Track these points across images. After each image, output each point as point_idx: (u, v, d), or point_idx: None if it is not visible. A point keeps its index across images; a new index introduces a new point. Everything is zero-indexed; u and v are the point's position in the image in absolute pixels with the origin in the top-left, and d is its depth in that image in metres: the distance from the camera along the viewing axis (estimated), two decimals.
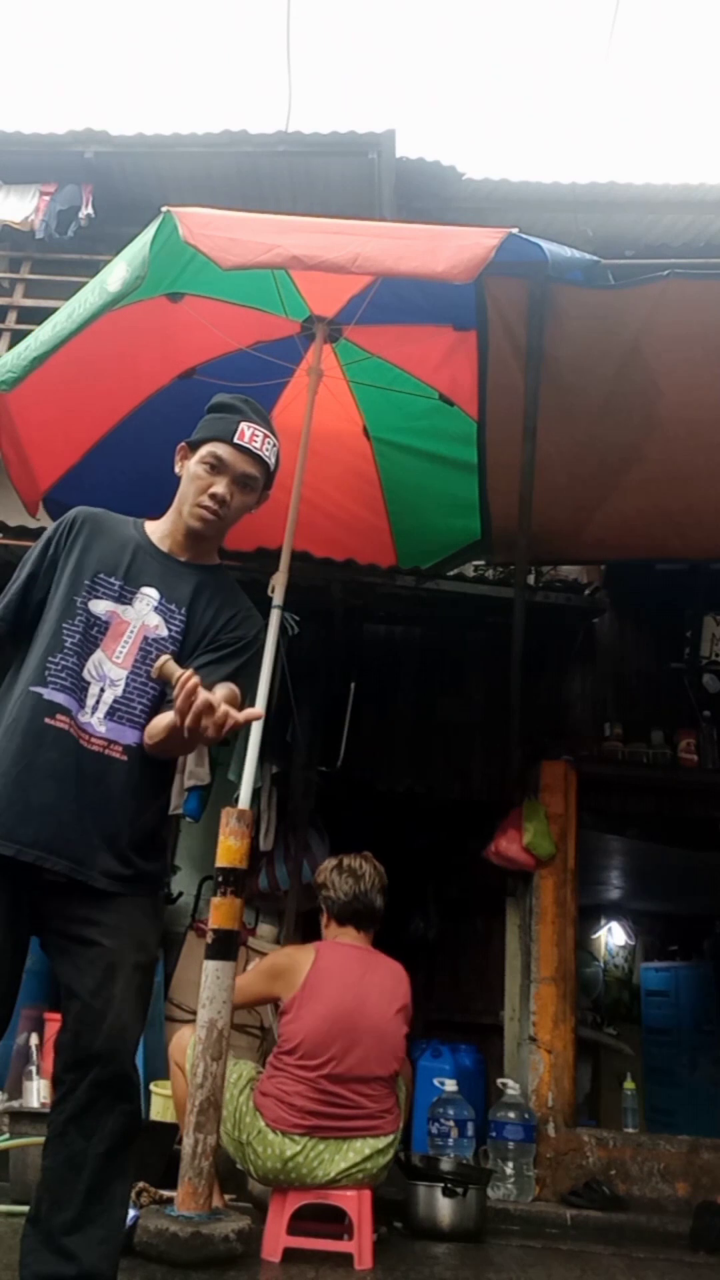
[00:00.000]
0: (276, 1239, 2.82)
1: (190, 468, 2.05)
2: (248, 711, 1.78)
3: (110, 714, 1.87)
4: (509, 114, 29.97)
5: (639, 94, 30.06)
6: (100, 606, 1.93)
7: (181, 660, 1.89)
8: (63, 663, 1.86)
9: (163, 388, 4.04)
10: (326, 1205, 2.91)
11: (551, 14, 27.60)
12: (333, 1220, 2.93)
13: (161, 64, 30.47)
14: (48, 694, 1.83)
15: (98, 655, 1.90)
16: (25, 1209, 2.94)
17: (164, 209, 2.95)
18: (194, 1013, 3.06)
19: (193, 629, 2.00)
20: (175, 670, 1.70)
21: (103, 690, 1.88)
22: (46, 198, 6.81)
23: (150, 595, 1.97)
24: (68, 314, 3.03)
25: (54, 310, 3.24)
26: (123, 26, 27.05)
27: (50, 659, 1.85)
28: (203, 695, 1.65)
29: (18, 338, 5.85)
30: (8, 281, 6.82)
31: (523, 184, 6.70)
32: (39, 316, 4.75)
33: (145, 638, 1.93)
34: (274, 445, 2.10)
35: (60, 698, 1.84)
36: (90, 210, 6.72)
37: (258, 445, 2.05)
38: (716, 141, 28.28)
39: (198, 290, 3.66)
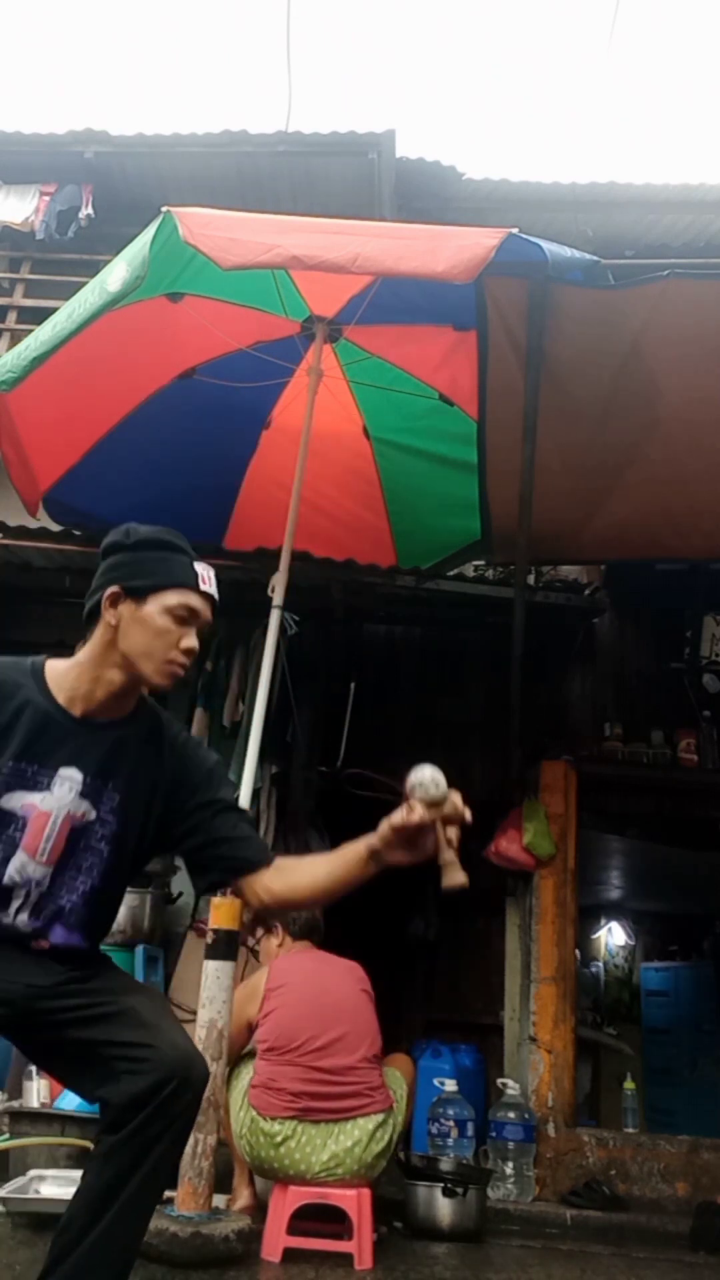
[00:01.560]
0: (276, 1239, 2.82)
1: (149, 619, 1.72)
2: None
3: (36, 913, 1.70)
4: (509, 114, 29.97)
5: (639, 94, 30.06)
6: (13, 801, 1.68)
7: (127, 835, 1.75)
8: None
9: (163, 388, 4.04)
10: (326, 1205, 2.92)
11: (551, 14, 27.61)
12: (333, 1220, 2.93)
13: (161, 64, 30.48)
14: None
15: (19, 858, 1.68)
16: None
17: (164, 209, 2.95)
18: (194, 1013, 3.06)
19: (130, 800, 1.77)
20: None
21: (30, 892, 1.69)
22: (46, 198, 6.81)
23: (71, 778, 1.72)
24: (68, 314, 3.03)
25: (54, 310, 3.24)
26: (123, 26, 27.05)
27: None
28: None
29: (18, 338, 5.85)
30: (8, 281, 6.81)
31: (523, 184, 6.71)
32: (39, 316, 4.74)
33: (72, 827, 1.71)
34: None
35: None
36: (90, 210, 6.72)
37: (214, 591, 1.80)
38: (716, 141, 28.28)
39: (198, 290, 3.67)
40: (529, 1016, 4.39)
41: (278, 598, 3.61)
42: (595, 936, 8.07)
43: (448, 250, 2.78)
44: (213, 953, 2.95)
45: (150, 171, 6.76)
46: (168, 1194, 2.87)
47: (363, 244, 2.85)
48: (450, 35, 27.10)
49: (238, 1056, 3.13)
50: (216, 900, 3.02)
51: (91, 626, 1.77)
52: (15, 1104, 3.52)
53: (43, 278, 6.70)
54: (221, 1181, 3.02)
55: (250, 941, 3.67)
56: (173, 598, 1.73)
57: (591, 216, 6.62)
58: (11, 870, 1.67)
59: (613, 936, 8.24)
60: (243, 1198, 3.13)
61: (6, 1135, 3.36)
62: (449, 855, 1.55)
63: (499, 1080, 4.22)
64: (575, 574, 5.42)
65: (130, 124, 15.29)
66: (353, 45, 27.95)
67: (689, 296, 3.24)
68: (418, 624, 5.26)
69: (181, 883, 4.85)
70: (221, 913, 2.99)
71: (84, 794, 1.72)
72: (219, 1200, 2.99)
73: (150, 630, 1.72)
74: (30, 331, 3.27)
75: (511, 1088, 4.08)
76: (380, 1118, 2.98)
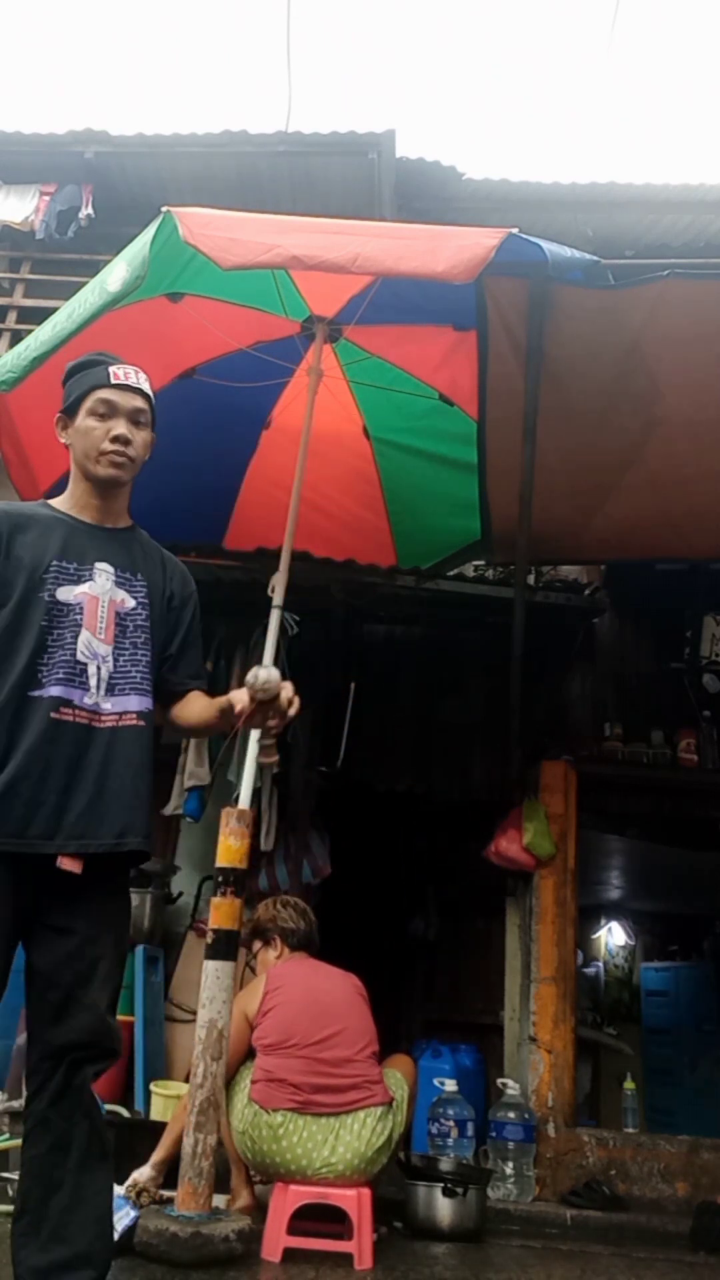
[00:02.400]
0: (276, 1239, 2.82)
1: (80, 426, 2.02)
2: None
3: (110, 689, 1.91)
4: (509, 114, 29.95)
5: (639, 94, 30.06)
6: (67, 594, 1.92)
7: (154, 616, 2.02)
8: (50, 659, 1.87)
9: (163, 388, 4.02)
10: (326, 1205, 2.91)
11: (551, 14, 27.59)
12: (333, 1220, 2.93)
13: (161, 64, 30.46)
14: (47, 693, 1.85)
15: (84, 636, 1.91)
16: None
17: (164, 209, 2.95)
18: (194, 1013, 3.07)
19: (152, 593, 2.04)
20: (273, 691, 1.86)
21: (99, 668, 1.91)
22: (46, 198, 6.81)
23: (105, 569, 1.98)
24: (68, 314, 3.03)
25: (54, 310, 3.24)
26: (123, 26, 27.05)
27: (38, 660, 1.86)
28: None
29: (18, 338, 5.85)
30: (8, 281, 6.81)
31: (523, 184, 6.70)
32: (39, 316, 4.75)
33: (117, 612, 1.97)
34: (146, 378, 2.10)
35: (59, 691, 1.85)
36: (90, 210, 6.72)
37: (135, 380, 2.06)
38: (716, 141, 28.28)
39: (198, 290, 3.66)
40: (529, 1016, 4.39)
41: (278, 598, 3.60)
42: (595, 936, 8.07)
43: (448, 250, 2.78)
44: (213, 953, 2.95)
45: (150, 171, 6.76)
46: (167, 1194, 2.87)
47: (363, 244, 2.85)
48: (450, 35, 27.11)
49: (238, 1060, 3.13)
50: (216, 900, 3.02)
51: None
52: (15, 1104, 3.52)
53: (43, 278, 6.70)
54: (221, 1182, 3.02)
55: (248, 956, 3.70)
56: (90, 400, 2.02)
57: (591, 216, 6.62)
58: (81, 646, 1.90)
59: (613, 936, 8.23)
60: (242, 1198, 3.13)
61: (6, 1135, 3.37)
62: (266, 740, 2.04)
63: (499, 1080, 4.22)
64: (575, 574, 5.42)
65: (130, 124, 15.30)
66: (353, 45, 27.95)
67: (688, 296, 3.24)
68: (418, 624, 5.25)
69: (181, 883, 4.85)
70: (221, 913, 2.99)
71: (118, 583, 1.99)
72: (219, 1200, 2.99)
73: (81, 434, 2.02)
74: (30, 331, 3.27)
75: (511, 1088, 4.08)
76: (380, 1111, 2.99)
